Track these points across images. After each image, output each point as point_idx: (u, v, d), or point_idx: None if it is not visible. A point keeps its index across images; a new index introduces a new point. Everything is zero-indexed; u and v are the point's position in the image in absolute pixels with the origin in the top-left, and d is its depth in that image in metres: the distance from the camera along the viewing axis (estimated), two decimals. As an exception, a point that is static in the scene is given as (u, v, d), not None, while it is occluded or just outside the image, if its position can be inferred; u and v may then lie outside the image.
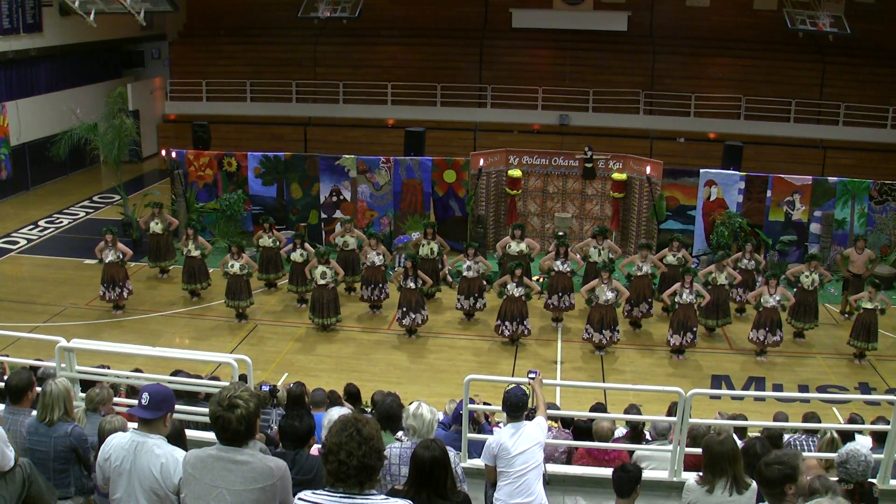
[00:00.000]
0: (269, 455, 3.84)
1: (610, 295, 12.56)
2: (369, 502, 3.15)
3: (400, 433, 5.36)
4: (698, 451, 6.03)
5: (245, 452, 3.49)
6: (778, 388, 11.90)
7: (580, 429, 7.28)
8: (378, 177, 16.85)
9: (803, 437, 7.12)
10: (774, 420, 7.74)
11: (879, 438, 6.37)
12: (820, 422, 7.44)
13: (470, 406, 5.95)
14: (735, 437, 4.85)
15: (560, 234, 15.10)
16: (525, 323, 12.93)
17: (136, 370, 8.45)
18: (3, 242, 17.69)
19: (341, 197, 17.01)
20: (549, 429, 6.14)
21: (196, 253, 14.30)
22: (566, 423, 7.64)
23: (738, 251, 14.37)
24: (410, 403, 4.98)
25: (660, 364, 12.74)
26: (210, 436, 3.61)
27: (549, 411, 5.95)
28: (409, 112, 23.89)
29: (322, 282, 13.03)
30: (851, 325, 12.82)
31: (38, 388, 5.23)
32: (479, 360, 12.66)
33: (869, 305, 12.38)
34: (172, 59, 26.13)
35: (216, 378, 7.56)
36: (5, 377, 5.87)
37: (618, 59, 24.15)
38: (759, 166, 18.52)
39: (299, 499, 3.24)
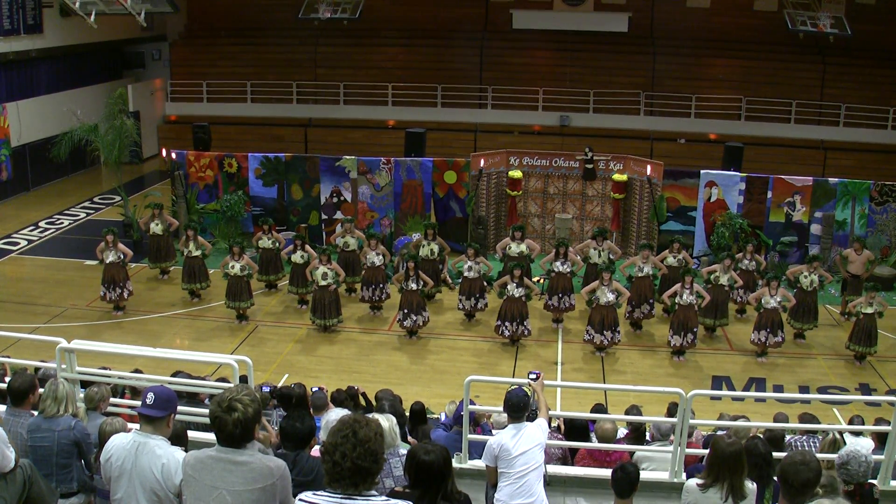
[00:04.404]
0: (268, 455, 3.84)
1: (610, 296, 12.56)
2: (369, 503, 3.15)
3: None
4: (698, 451, 6.05)
5: (244, 453, 3.49)
6: (778, 388, 11.90)
7: (576, 429, 7.28)
8: (378, 178, 16.85)
9: (803, 437, 7.12)
10: (775, 421, 7.75)
11: (880, 439, 6.37)
12: (818, 422, 7.45)
13: (470, 407, 5.95)
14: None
15: (561, 238, 15.07)
16: (525, 323, 12.94)
17: (137, 371, 8.46)
18: (4, 243, 17.70)
19: (342, 198, 17.01)
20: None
21: (197, 253, 14.31)
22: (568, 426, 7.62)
23: (738, 252, 14.37)
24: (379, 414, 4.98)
25: (660, 365, 12.74)
26: (211, 436, 3.61)
27: (550, 412, 5.96)
28: (409, 113, 23.90)
29: (323, 283, 13.04)
30: (851, 330, 12.79)
31: (41, 390, 5.24)
32: (479, 361, 12.66)
33: (869, 310, 12.35)
34: (173, 60, 26.13)
35: (224, 379, 7.56)
36: (7, 379, 5.87)
37: (618, 60, 24.16)
38: (759, 167, 18.52)
39: (300, 500, 3.25)
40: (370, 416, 4.80)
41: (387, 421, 4.81)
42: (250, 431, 3.48)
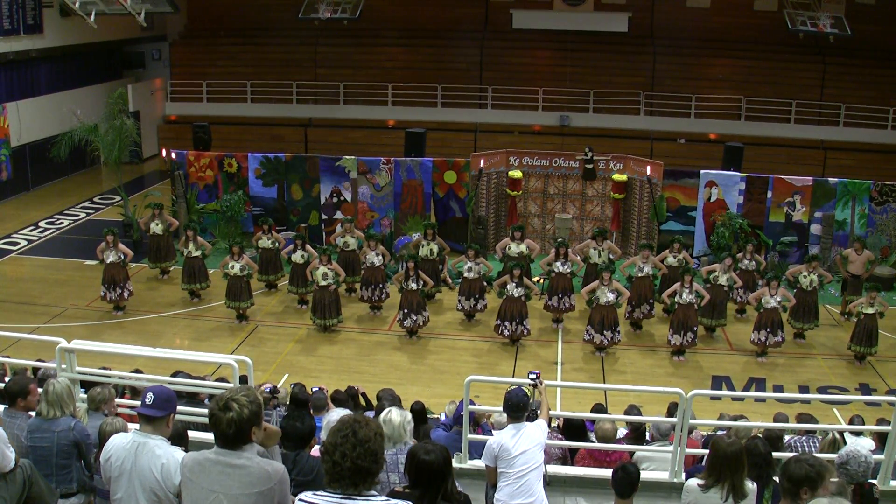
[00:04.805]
0: (273, 454, 3.81)
1: (611, 296, 12.56)
2: (369, 503, 3.14)
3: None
4: (698, 451, 6.06)
5: (243, 456, 3.44)
6: (778, 388, 11.90)
7: (572, 427, 7.29)
8: (378, 178, 16.85)
9: (803, 438, 7.11)
10: (775, 421, 7.74)
11: (881, 439, 6.37)
12: (816, 422, 7.44)
13: (470, 407, 5.95)
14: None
15: (560, 238, 15.08)
16: (524, 323, 12.94)
17: (137, 371, 8.46)
18: (4, 243, 17.69)
19: (342, 198, 17.01)
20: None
21: (197, 253, 14.32)
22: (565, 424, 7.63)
23: (738, 252, 14.37)
24: (382, 411, 4.99)
25: (660, 365, 12.74)
26: (210, 436, 3.60)
27: (550, 412, 5.96)
28: (409, 113, 23.90)
29: (323, 283, 13.04)
30: (852, 331, 12.78)
31: (40, 389, 5.25)
32: (479, 362, 12.66)
33: (870, 310, 12.35)
34: (173, 60, 26.14)
35: (223, 379, 7.57)
36: (6, 379, 5.88)
37: (618, 59, 24.16)
38: (759, 167, 18.52)
39: (299, 499, 3.24)
40: (388, 409, 4.81)
41: (400, 416, 4.81)
42: (245, 433, 3.42)
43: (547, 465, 5.50)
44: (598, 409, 8.20)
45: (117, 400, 6.04)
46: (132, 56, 26.01)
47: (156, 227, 15.29)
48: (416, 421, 7.30)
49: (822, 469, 3.91)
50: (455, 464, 5.22)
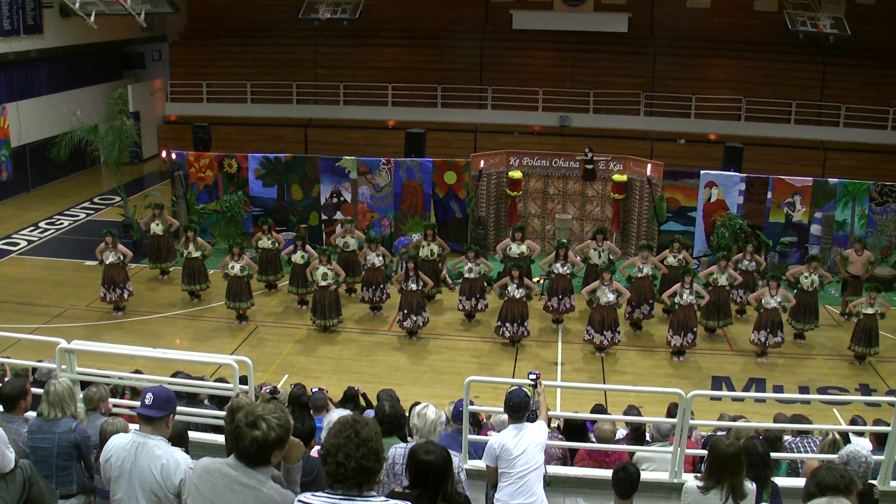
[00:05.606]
0: (281, 483, 3.70)
1: (611, 296, 12.56)
2: (369, 503, 3.13)
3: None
4: (698, 451, 6.06)
5: (255, 476, 3.32)
6: (778, 389, 11.89)
7: (573, 427, 7.29)
8: (378, 178, 16.85)
9: (797, 438, 7.09)
10: (775, 421, 7.74)
11: (879, 440, 6.36)
12: (809, 422, 7.44)
13: (470, 408, 5.95)
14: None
15: (560, 240, 15.07)
16: (525, 324, 12.94)
17: (137, 371, 8.47)
18: (4, 244, 17.69)
19: (342, 198, 17.01)
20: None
21: (197, 254, 14.32)
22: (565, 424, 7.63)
23: (738, 252, 14.37)
24: (416, 404, 5.00)
25: (660, 365, 12.74)
26: (211, 437, 3.59)
27: (550, 413, 5.96)
28: (409, 113, 23.90)
29: (323, 283, 13.04)
30: (852, 331, 12.78)
31: (40, 390, 5.24)
32: (479, 362, 12.66)
33: (870, 311, 12.34)
34: (173, 60, 26.14)
35: (223, 380, 7.57)
36: (6, 379, 5.88)
37: (618, 60, 24.16)
38: (759, 167, 18.53)
39: (299, 500, 3.22)
40: (426, 404, 4.79)
41: (435, 414, 4.82)
42: (265, 455, 3.30)
43: (547, 466, 5.51)
44: (598, 409, 8.20)
45: (119, 401, 6.06)
46: (132, 56, 26.02)
47: (156, 228, 15.29)
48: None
49: (850, 483, 3.89)
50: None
